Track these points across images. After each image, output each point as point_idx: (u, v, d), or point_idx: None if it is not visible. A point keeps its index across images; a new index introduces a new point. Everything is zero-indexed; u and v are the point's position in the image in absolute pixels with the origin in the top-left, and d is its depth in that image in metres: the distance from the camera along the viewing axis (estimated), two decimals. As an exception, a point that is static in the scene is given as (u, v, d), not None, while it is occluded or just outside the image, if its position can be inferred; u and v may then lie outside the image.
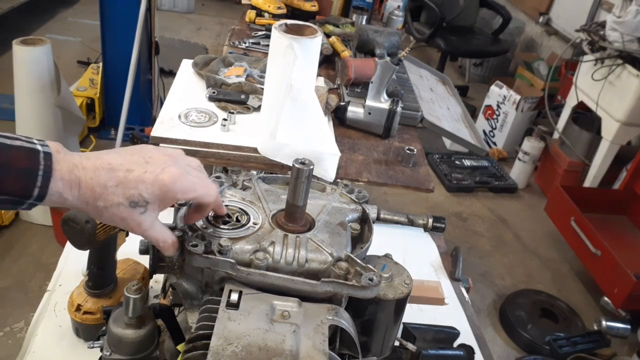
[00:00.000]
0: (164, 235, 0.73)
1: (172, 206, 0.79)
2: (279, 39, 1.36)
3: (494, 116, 4.17)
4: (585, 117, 3.59)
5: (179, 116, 1.55)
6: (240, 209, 0.86)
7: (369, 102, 1.70)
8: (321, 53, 1.96)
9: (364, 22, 2.56)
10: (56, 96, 2.57)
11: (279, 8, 2.49)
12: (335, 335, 0.80)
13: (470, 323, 1.23)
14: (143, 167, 0.68)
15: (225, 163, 1.49)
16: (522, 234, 3.42)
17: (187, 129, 1.50)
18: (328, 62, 2.18)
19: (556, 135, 3.74)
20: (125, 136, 3.03)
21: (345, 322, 0.76)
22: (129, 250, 1.09)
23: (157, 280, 1.10)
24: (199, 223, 0.82)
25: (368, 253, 0.88)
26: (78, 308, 1.00)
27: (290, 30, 1.38)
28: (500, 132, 4.17)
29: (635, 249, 3.00)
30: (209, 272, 0.78)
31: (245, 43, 2.22)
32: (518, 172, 3.84)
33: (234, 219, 0.84)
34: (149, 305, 0.90)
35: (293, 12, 2.56)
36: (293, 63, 1.33)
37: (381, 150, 1.67)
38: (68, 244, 1.21)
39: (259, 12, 2.48)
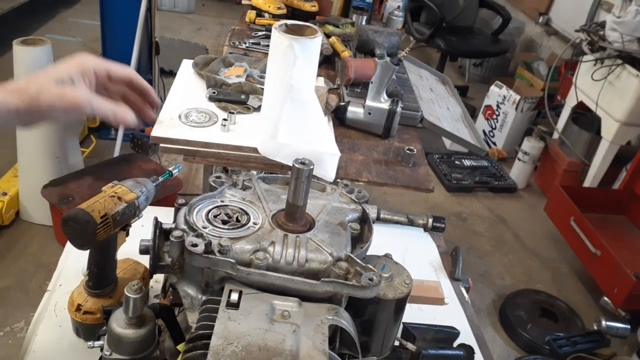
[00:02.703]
0: (111, 106, 0.77)
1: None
2: (279, 39, 1.36)
3: (494, 116, 4.17)
4: (585, 117, 3.59)
5: (179, 116, 1.55)
6: (240, 209, 0.87)
7: (369, 102, 1.70)
8: (321, 53, 1.96)
9: (364, 23, 2.56)
10: (56, 96, 2.57)
11: (279, 8, 2.49)
12: (335, 335, 0.80)
13: (470, 323, 1.23)
14: (55, 65, 0.78)
15: (225, 163, 1.49)
16: (522, 234, 3.42)
17: (187, 129, 1.50)
18: (328, 62, 2.18)
19: (556, 135, 3.74)
20: (126, 136, 3.04)
21: (345, 322, 0.76)
22: (129, 250, 1.09)
23: (157, 280, 1.10)
24: (200, 223, 0.82)
25: (368, 253, 0.88)
26: (78, 308, 1.00)
27: (290, 30, 1.38)
28: (500, 132, 4.17)
29: (635, 249, 3.00)
30: (209, 272, 0.78)
31: (245, 43, 2.23)
32: (518, 172, 3.85)
33: (234, 219, 0.84)
34: (149, 305, 0.90)
35: (293, 13, 2.56)
36: (293, 63, 1.34)
37: (381, 150, 1.67)
38: (68, 244, 1.21)
39: (259, 13, 2.48)
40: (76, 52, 0.82)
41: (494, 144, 4.23)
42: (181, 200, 0.86)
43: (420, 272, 1.34)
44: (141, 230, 0.97)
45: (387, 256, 0.92)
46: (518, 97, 3.92)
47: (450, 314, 1.24)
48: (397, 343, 0.96)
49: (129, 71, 0.80)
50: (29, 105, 0.72)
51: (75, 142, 2.93)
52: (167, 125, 1.50)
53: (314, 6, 2.58)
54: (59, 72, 0.75)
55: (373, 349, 0.89)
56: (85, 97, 0.75)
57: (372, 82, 1.67)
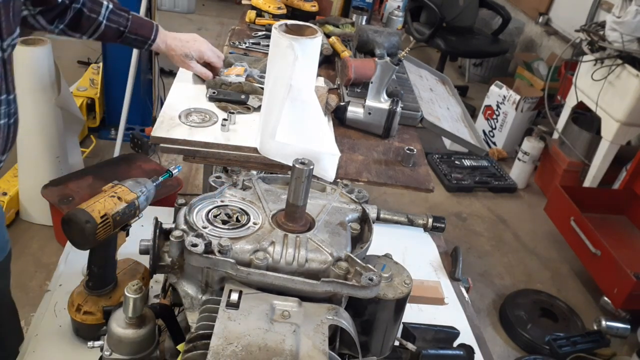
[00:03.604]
0: (203, 69, 1.65)
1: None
2: (279, 39, 1.36)
3: (494, 116, 4.17)
4: (585, 117, 3.59)
5: (179, 116, 1.55)
6: (240, 209, 0.87)
7: (369, 102, 1.70)
8: (321, 53, 1.96)
9: (363, 23, 2.56)
10: (56, 96, 2.57)
11: (279, 8, 2.49)
12: (335, 335, 0.80)
13: (470, 323, 1.23)
14: (191, 41, 1.63)
15: (225, 163, 1.49)
16: (522, 234, 3.42)
17: (187, 129, 1.50)
18: (328, 62, 2.18)
19: (556, 135, 3.74)
20: (126, 136, 3.04)
21: (345, 321, 0.76)
22: (129, 250, 1.09)
23: (157, 280, 1.10)
24: (199, 223, 0.82)
25: (368, 253, 0.88)
26: (78, 308, 1.00)
27: (290, 30, 1.38)
28: (500, 132, 4.17)
29: (635, 249, 3.00)
30: (209, 272, 0.78)
31: (245, 43, 2.23)
32: (518, 172, 3.85)
33: (234, 219, 0.84)
34: (149, 305, 0.90)
35: (293, 13, 2.56)
36: (293, 63, 1.33)
37: (381, 150, 1.67)
38: (68, 244, 1.21)
39: (259, 13, 2.48)
40: (188, 34, 1.63)
41: (494, 144, 4.23)
42: (181, 200, 0.86)
43: (420, 272, 1.35)
44: (141, 230, 0.97)
45: (387, 256, 0.92)
46: (518, 97, 3.92)
47: (450, 314, 1.24)
48: (397, 343, 0.96)
49: (214, 59, 1.66)
50: (165, 55, 1.59)
51: (75, 142, 2.93)
52: (167, 125, 1.50)
53: (314, 6, 2.58)
54: (187, 50, 1.58)
55: (373, 349, 0.89)
56: (193, 66, 1.62)
57: (372, 82, 1.67)
